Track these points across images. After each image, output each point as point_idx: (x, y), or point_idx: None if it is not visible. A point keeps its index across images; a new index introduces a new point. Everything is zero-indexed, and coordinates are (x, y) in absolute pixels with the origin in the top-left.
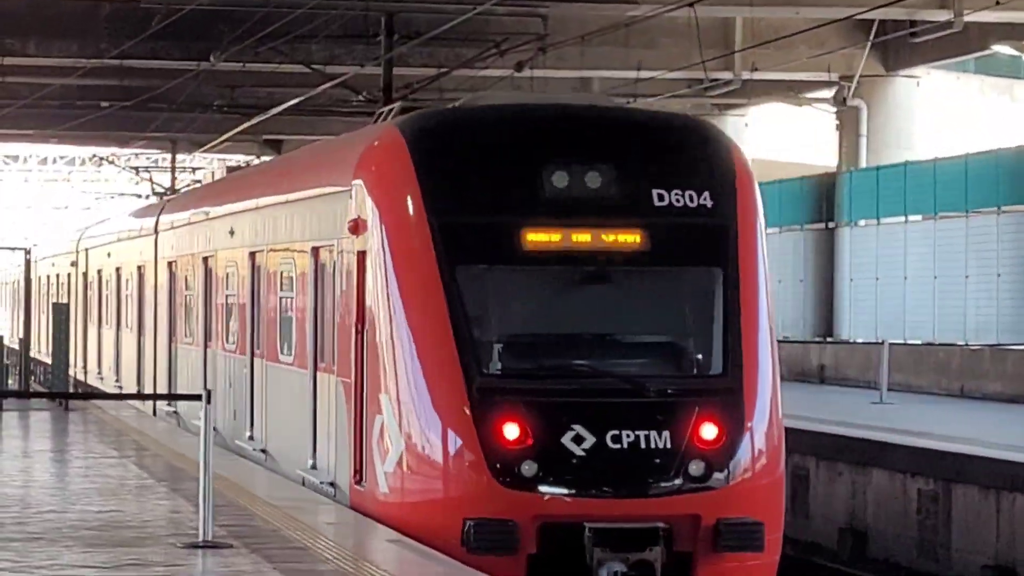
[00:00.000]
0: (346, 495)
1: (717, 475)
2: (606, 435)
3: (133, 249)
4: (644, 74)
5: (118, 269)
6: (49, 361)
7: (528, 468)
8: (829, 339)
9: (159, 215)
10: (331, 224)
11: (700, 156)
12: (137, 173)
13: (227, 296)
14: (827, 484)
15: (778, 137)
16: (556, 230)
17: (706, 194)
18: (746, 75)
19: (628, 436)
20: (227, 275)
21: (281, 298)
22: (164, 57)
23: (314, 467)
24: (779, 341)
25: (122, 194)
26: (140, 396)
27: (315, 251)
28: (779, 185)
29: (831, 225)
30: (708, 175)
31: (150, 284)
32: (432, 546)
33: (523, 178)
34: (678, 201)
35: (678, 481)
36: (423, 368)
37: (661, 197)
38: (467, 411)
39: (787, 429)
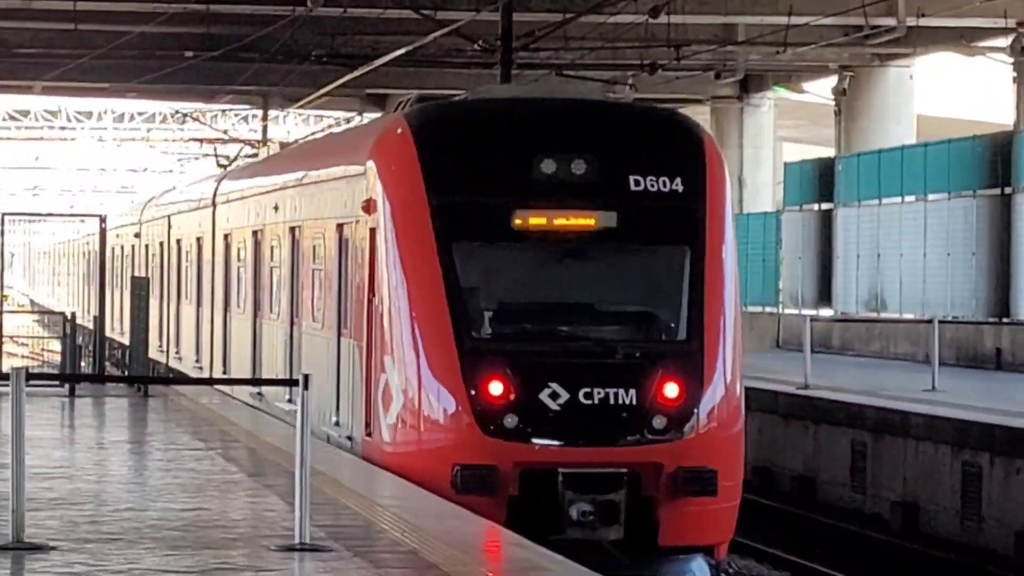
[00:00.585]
0: (360, 446)
1: (677, 429)
2: (579, 392)
3: (193, 221)
4: (795, 20)
5: (179, 241)
6: (121, 340)
7: (510, 420)
8: (1005, 320)
9: (217, 186)
10: (351, 203)
11: (674, 146)
12: (201, 145)
13: (272, 268)
14: (1003, 483)
15: (947, 91)
16: (542, 211)
17: (677, 180)
18: (911, 21)
19: (599, 393)
20: (272, 248)
21: (314, 270)
22: (255, 2)
23: (337, 423)
24: (948, 321)
25: (206, 155)
26: (224, 381)
27: (339, 227)
28: (948, 145)
29: (1007, 190)
30: (680, 163)
31: (208, 256)
32: (427, 488)
33: (514, 164)
34: (652, 186)
35: (642, 433)
36: (421, 333)
37: (637, 182)
38: (457, 370)
39: (957, 421)
